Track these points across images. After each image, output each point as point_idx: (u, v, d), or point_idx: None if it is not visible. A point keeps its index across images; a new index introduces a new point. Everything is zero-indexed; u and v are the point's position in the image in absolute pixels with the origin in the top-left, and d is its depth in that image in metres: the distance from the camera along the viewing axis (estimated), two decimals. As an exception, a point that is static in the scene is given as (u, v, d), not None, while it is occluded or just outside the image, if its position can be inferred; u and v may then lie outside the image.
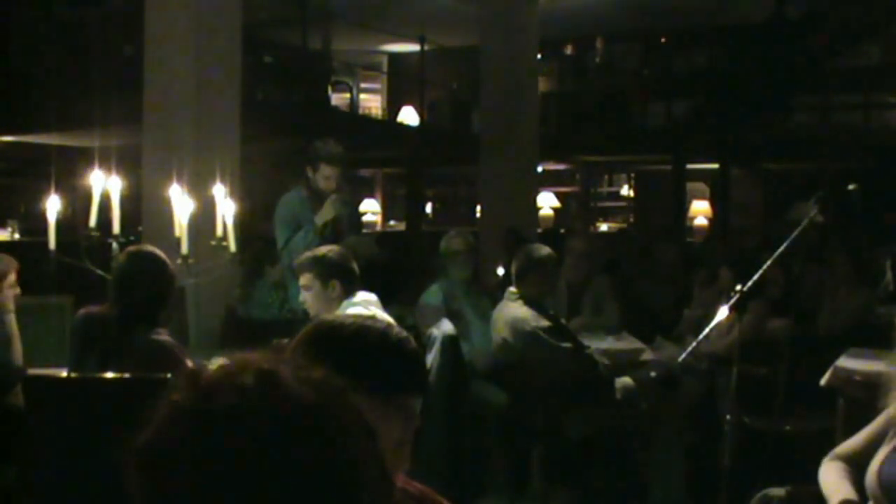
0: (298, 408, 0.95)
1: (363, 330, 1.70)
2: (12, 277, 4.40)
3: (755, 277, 3.15)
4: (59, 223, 4.23)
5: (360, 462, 0.97)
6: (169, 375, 2.91)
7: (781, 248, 3.22)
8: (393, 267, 8.58)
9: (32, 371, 4.05)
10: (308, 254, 4.13)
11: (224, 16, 6.18)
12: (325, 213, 5.28)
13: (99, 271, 4.09)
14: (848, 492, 2.63)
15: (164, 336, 3.45)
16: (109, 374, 3.35)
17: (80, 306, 3.93)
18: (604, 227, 15.83)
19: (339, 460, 0.95)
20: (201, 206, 4.44)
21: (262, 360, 0.99)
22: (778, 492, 2.84)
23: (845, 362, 4.33)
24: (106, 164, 4.43)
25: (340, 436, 0.96)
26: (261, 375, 0.96)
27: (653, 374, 5.30)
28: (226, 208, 4.39)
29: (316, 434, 0.94)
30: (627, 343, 5.59)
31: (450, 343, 4.65)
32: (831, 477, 2.71)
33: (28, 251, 6.69)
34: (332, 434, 0.95)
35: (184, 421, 0.94)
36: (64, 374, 3.65)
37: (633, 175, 16.50)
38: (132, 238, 4.40)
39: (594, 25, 13.77)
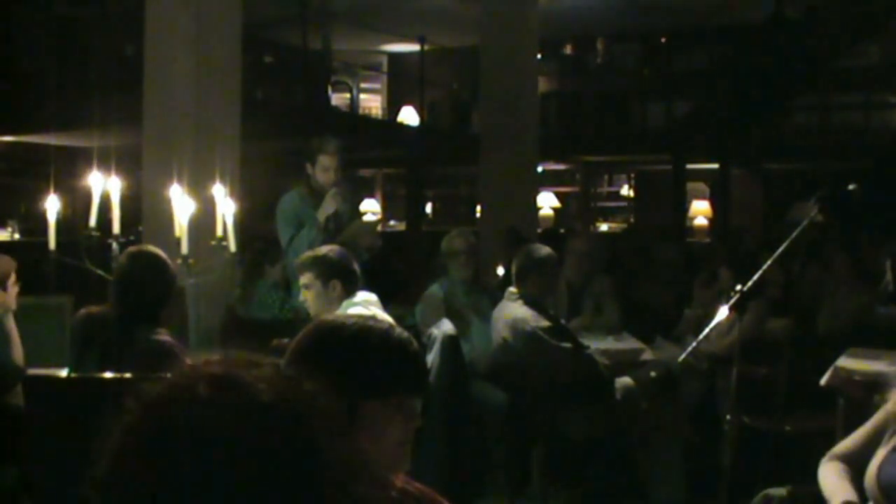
0: (257, 409, 0.93)
1: (365, 330, 1.70)
2: (14, 277, 4.40)
3: (755, 277, 3.15)
4: (59, 223, 4.23)
5: (327, 455, 0.95)
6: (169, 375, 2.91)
7: (781, 248, 3.22)
8: (393, 267, 8.59)
9: (32, 371, 4.05)
10: (309, 253, 4.13)
11: (224, 16, 6.17)
12: (327, 208, 5.27)
13: (99, 271, 4.09)
14: (848, 492, 2.63)
15: (164, 336, 3.45)
16: (109, 374, 3.35)
17: (80, 306, 3.93)
18: (604, 227, 15.83)
19: (305, 456, 0.93)
20: (201, 206, 4.44)
21: (214, 364, 0.97)
22: (778, 492, 2.84)
23: (845, 362, 4.32)
24: (106, 164, 4.43)
25: (304, 431, 0.94)
26: (214, 382, 0.94)
27: (653, 374, 5.30)
28: (226, 208, 4.38)
29: (278, 432, 0.92)
30: (627, 343, 5.59)
31: (450, 343, 4.65)
32: (831, 477, 2.71)
33: (28, 251, 6.70)
34: (294, 430, 0.94)
35: (136, 444, 0.92)
36: (64, 374, 3.65)
37: (633, 175, 16.51)
38: (132, 238, 4.41)
39: (594, 25, 13.77)
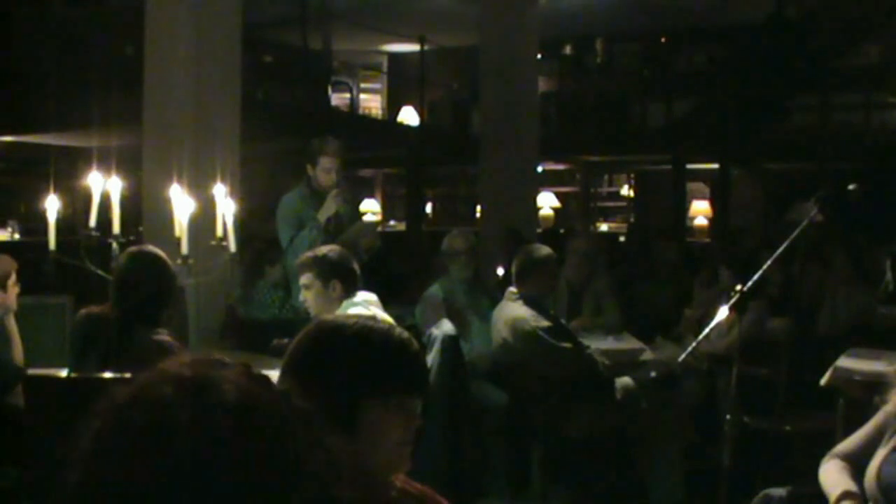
0: (222, 409, 0.93)
1: (366, 331, 1.70)
2: (14, 277, 4.40)
3: (755, 277, 3.15)
4: (59, 223, 4.23)
5: (298, 454, 0.94)
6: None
7: (781, 248, 3.22)
8: (393, 267, 8.59)
9: (32, 371, 4.05)
10: (308, 253, 4.13)
11: (224, 16, 6.18)
12: (328, 209, 5.28)
13: (99, 271, 4.09)
14: (848, 485, 2.63)
15: (164, 336, 3.45)
16: (109, 374, 3.35)
17: (80, 306, 3.93)
18: (604, 227, 15.84)
19: (273, 455, 0.93)
20: (201, 206, 4.43)
21: (182, 366, 0.98)
22: (778, 492, 2.84)
23: (845, 362, 4.32)
24: (106, 164, 4.44)
25: (272, 430, 0.94)
26: (180, 382, 0.94)
27: (653, 374, 5.30)
28: (226, 208, 4.38)
29: (244, 432, 0.92)
30: (627, 343, 5.59)
31: (450, 343, 4.64)
32: (831, 474, 2.72)
33: (28, 251, 6.70)
34: (262, 429, 0.93)
35: (101, 447, 0.93)
36: (64, 374, 3.65)
37: (633, 175, 16.51)
38: (132, 238, 4.41)
39: (594, 25, 13.78)
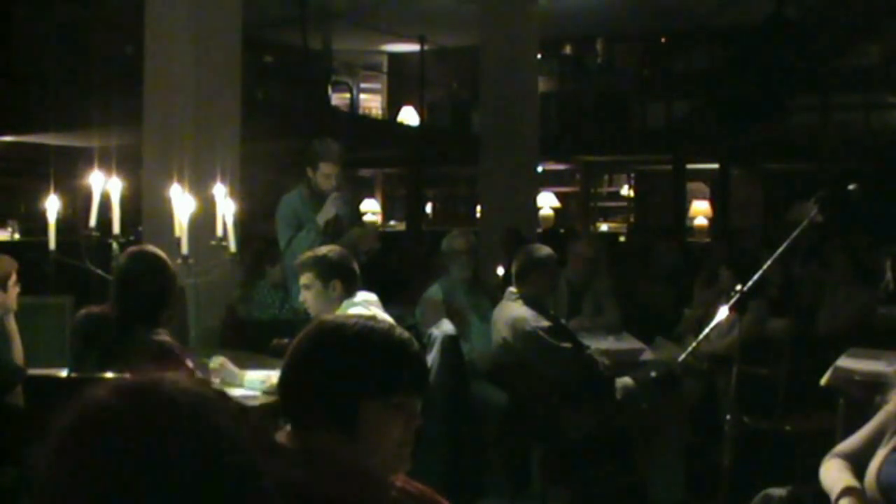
0: (162, 407, 0.98)
1: (366, 331, 1.70)
2: (14, 277, 4.40)
3: (755, 277, 3.15)
4: (59, 223, 4.23)
5: (237, 449, 0.99)
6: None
7: (781, 248, 3.21)
8: (393, 267, 8.59)
9: (32, 371, 4.05)
10: (309, 253, 4.13)
11: (224, 16, 6.18)
12: (327, 212, 5.28)
13: (99, 271, 4.09)
14: (850, 481, 2.63)
15: (164, 336, 3.44)
16: (109, 374, 3.35)
17: (80, 306, 3.93)
18: (604, 227, 15.84)
19: (213, 448, 0.98)
20: (201, 206, 4.43)
21: (126, 377, 1.04)
22: (779, 491, 2.84)
23: (845, 362, 4.32)
24: (106, 164, 4.43)
25: (212, 426, 0.99)
26: (118, 390, 1.01)
27: (653, 374, 5.30)
28: (226, 208, 4.38)
29: (185, 427, 0.97)
30: (627, 343, 5.59)
31: (450, 343, 4.64)
32: (832, 472, 2.72)
33: (28, 251, 6.69)
34: (202, 425, 0.98)
35: (58, 454, 0.99)
36: (64, 374, 3.65)
37: (633, 175, 16.51)
38: (132, 238, 4.40)
39: (594, 25, 13.78)
